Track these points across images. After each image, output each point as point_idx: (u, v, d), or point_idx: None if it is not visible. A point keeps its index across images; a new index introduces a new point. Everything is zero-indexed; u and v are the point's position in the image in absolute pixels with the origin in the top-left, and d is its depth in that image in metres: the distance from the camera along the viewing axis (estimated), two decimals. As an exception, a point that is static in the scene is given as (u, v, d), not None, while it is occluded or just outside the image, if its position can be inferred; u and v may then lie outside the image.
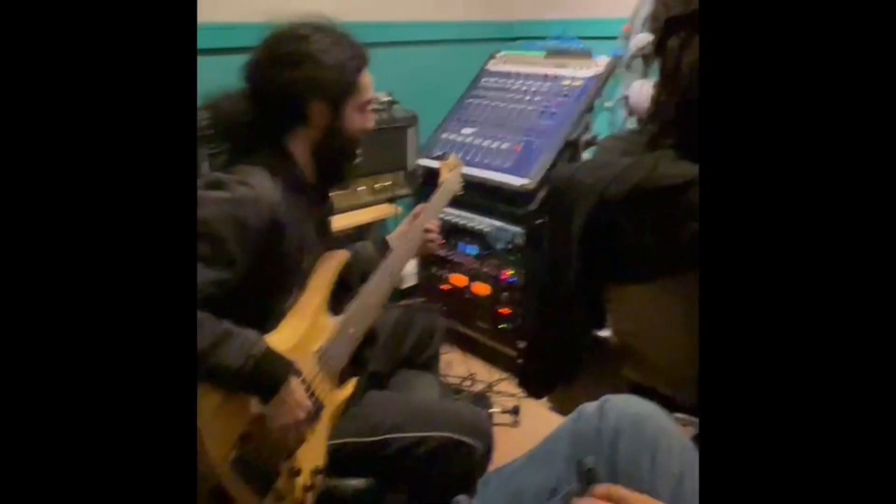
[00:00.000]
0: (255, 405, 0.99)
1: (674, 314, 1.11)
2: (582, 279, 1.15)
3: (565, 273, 1.16)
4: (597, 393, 0.79)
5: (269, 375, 0.97)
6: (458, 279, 2.16)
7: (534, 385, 1.51)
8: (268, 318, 1.07)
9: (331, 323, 1.14)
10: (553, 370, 1.38)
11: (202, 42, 1.76)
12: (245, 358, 0.94)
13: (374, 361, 1.29)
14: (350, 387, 1.15)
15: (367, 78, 1.15)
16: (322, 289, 1.14)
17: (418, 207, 1.40)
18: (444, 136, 2.24)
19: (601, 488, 0.63)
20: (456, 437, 1.13)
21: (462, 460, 1.13)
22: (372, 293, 1.20)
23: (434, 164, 2.04)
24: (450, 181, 1.50)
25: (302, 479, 1.03)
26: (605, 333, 1.76)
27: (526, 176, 1.92)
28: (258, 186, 1.02)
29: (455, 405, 1.36)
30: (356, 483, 1.13)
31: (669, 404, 0.81)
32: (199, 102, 1.53)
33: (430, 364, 1.47)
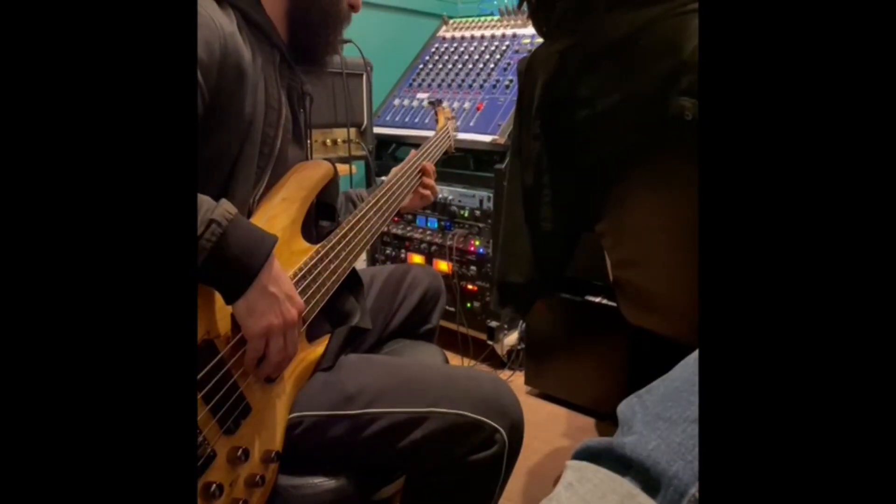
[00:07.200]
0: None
1: (674, 221, 0.84)
2: (548, 174, 0.96)
3: (529, 172, 0.97)
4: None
5: (242, 254, 0.67)
6: (417, 258, 1.94)
7: (512, 305, 1.22)
8: (231, 198, 0.76)
9: (307, 250, 0.85)
10: (530, 294, 1.14)
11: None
12: (206, 224, 0.65)
13: (358, 317, 0.94)
14: (322, 344, 0.86)
15: None
16: (297, 202, 0.86)
17: (412, 152, 1.22)
18: (397, 101, 2.04)
19: None
20: (470, 415, 0.81)
21: (479, 449, 0.82)
22: (359, 226, 0.94)
23: (386, 131, 1.94)
24: (447, 129, 1.36)
25: (249, 468, 0.70)
26: (595, 299, 1.59)
27: (494, 132, 1.75)
28: (205, 12, 0.74)
29: (470, 373, 0.91)
30: (324, 482, 0.78)
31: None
32: None
33: (429, 337, 1.20)
